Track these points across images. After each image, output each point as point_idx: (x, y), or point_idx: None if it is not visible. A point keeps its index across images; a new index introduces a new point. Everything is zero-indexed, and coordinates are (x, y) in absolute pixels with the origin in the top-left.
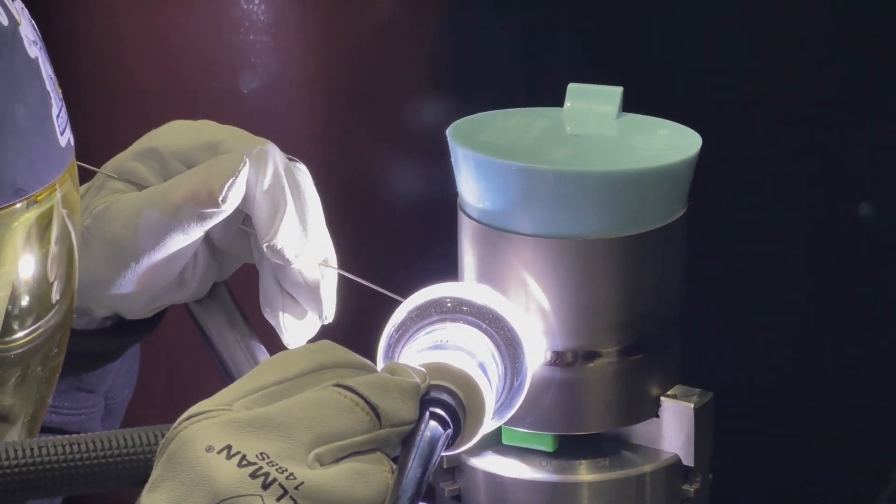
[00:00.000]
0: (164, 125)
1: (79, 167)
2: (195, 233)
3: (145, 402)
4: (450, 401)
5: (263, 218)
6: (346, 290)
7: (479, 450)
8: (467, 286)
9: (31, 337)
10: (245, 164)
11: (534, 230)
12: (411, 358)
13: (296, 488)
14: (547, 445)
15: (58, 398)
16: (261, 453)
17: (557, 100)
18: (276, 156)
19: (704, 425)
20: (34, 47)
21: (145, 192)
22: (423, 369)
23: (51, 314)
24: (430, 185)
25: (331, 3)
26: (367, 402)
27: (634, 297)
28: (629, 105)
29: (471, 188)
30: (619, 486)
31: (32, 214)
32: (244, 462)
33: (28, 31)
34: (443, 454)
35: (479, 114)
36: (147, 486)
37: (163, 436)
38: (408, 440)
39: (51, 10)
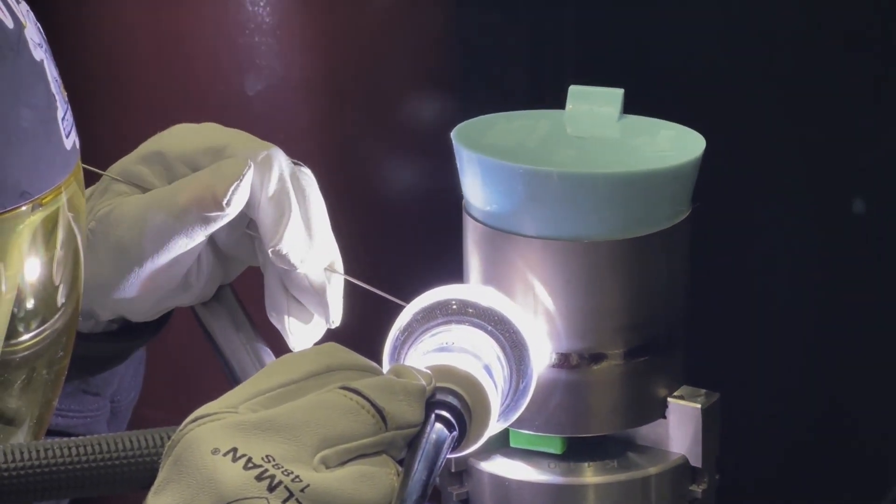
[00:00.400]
0: (169, 128)
1: (84, 170)
2: (199, 236)
3: (151, 404)
4: (455, 403)
5: (268, 223)
6: (352, 294)
7: (486, 453)
8: (472, 288)
9: (36, 340)
10: (250, 167)
11: (538, 232)
12: (417, 360)
13: (301, 491)
14: (555, 448)
15: (64, 401)
16: (266, 456)
17: (562, 101)
18: (281, 160)
19: (712, 426)
20: (39, 50)
21: (150, 195)
22: (428, 372)
23: (56, 317)
24: (434, 187)
25: (334, 4)
26: (372, 404)
27: (640, 298)
28: (635, 106)
29: (476, 190)
30: (626, 487)
31: (38, 217)
32: (250, 465)
33: (33, 34)
34: (449, 457)
35: (483, 116)
36: (153, 489)
37: (169, 438)
38: (413, 443)
39: (57, 12)
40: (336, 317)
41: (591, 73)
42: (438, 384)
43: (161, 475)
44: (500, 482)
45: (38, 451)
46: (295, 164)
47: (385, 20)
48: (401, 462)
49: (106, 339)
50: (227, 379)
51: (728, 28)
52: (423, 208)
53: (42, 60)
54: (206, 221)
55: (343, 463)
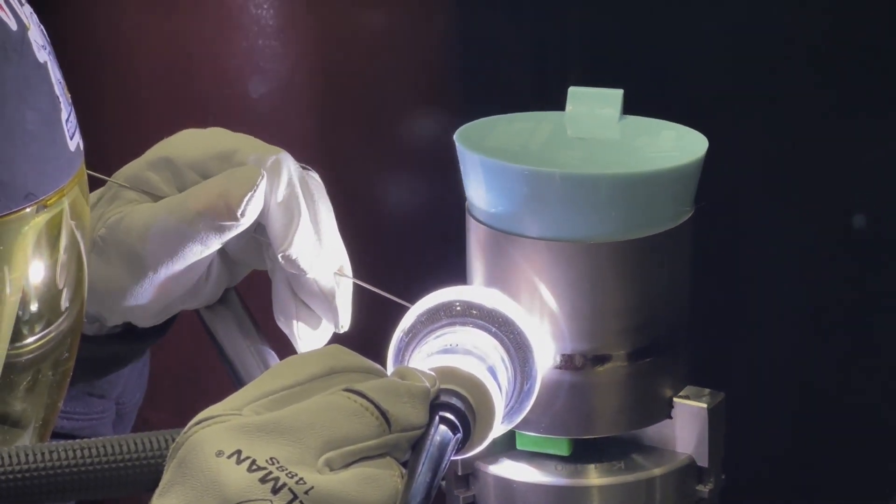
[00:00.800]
0: (175, 134)
1: (90, 176)
2: (213, 245)
3: (156, 406)
4: (459, 405)
5: (278, 228)
6: (356, 296)
7: (493, 456)
8: (476, 290)
9: (41, 342)
10: (263, 177)
11: (542, 233)
12: (421, 362)
13: (305, 493)
14: (562, 450)
15: (69, 403)
16: (270, 458)
17: (565, 104)
18: (290, 165)
19: (717, 425)
20: (43, 52)
21: (161, 203)
22: (432, 373)
23: (60, 320)
24: (438, 188)
25: (337, 8)
26: (376, 406)
27: (643, 299)
28: (638, 107)
29: (479, 192)
30: (632, 489)
31: (42, 219)
32: (254, 467)
33: (37, 36)
34: (454, 459)
35: (486, 118)
36: (157, 491)
37: (173, 440)
38: (418, 445)
39: (60, 14)
40: (345, 321)
41: (594, 75)
42: (442, 386)
43: (165, 477)
44: (506, 485)
45: (43, 454)
46: (303, 168)
47: (389, 23)
48: (405, 464)
49: (111, 341)
50: (232, 381)
51: (728, 28)
52: (427, 210)
53: (45, 62)
54: (220, 230)
55: (347, 465)
